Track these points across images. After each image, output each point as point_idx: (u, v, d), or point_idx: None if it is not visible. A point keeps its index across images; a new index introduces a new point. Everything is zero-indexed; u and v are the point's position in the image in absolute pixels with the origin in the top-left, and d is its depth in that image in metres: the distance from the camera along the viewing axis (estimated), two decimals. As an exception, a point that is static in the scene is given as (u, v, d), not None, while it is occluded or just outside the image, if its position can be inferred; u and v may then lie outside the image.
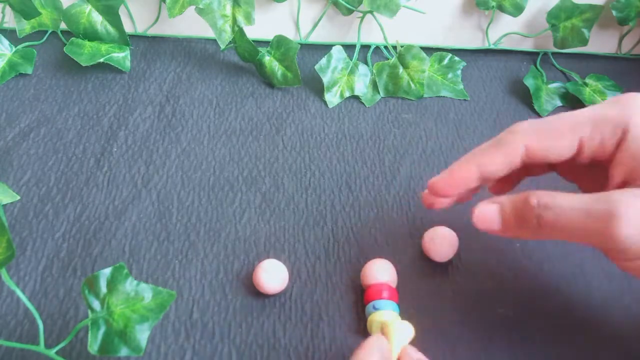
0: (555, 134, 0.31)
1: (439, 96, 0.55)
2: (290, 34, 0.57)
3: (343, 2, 0.53)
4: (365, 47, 0.58)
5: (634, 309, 0.39)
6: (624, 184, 0.30)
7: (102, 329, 0.30)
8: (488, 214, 0.32)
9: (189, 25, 0.57)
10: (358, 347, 0.31)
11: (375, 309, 0.36)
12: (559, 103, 0.55)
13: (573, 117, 0.31)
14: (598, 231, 0.28)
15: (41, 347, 0.31)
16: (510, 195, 0.32)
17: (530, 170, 0.36)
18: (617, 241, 0.27)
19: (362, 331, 0.37)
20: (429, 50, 0.55)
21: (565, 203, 0.29)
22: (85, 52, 0.52)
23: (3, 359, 0.34)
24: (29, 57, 0.53)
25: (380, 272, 0.38)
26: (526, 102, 0.54)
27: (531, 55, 0.60)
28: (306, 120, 0.51)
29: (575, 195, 0.30)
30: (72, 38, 0.53)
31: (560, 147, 0.31)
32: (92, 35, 0.53)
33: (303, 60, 0.56)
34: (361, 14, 0.54)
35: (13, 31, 0.54)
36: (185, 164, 0.46)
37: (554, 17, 0.56)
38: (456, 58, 0.56)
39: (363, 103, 0.53)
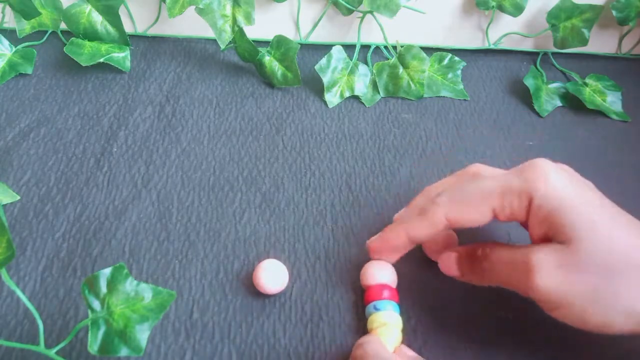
0: (470, 207, 0.34)
1: (439, 96, 0.55)
2: (290, 34, 0.57)
3: (343, 2, 0.53)
4: (365, 47, 0.58)
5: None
6: (545, 240, 0.33)
7: (102, 329, 0.30)
8: (448, 261, 0.36)
9: (189, 25, 0.57)
10: (358, 343, 0.33)
11: (376, 309, 0.36)
12: (558, 103, 0.55)
13: (484, 188, 0.34)
14: (521, 282, 0.32)
15: (41, 347, 0.31)
16: (467, 245, 0.36)
17: None
18: (536, 292, 0.31)
19: (362, 331, 0.37)
20: (429, 50, 0.55)
21: (496, 255, 0.33)
22: (85, 52, 0.52)
23: (3, 359, 0.34)
24: (29, 57, 0.53)
25: (381, 272, 0.38)
26: (526, 102, 0.54)
27: (531, 55, 0.60)
28: (306, 120, 0.51)
29: (507, 247, 0.33)
30: (72, 38, 0.53)
31: (475, 217, 0.34)
32: (92, 35, 0.53)
33: (303, 60, 0.56)
34: (361, 14, 0.54)
35: (13, 31, 0.54)
36: (185, 164, 0.46)
37: (554, 17, 0.56)
38: (456, 58, 0.56)
39: (363, 103, 0.53)
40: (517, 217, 0.33)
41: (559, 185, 0.32)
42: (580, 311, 0.31)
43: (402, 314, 0.37)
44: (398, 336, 0.35)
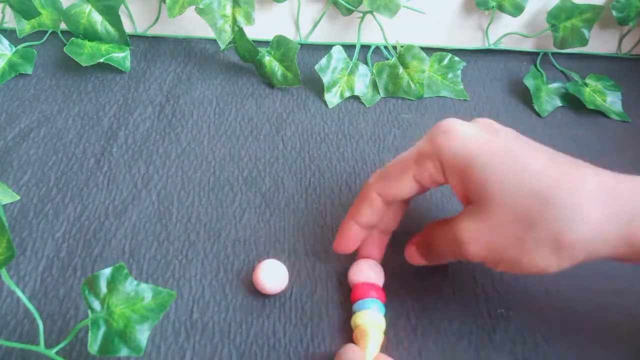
0: (393, 179, 0.34)
1: (439, 96, 0.55)
2: (290, 34, 0.57)
3: (343, 2, 0.53)
4: (365, 47, 0.58)
5: (633, 309, 0.39)
6: (467, 200, 0.33)
7: (102, 329, 0.30)
8: (411, 252, 0.37)
9: (189, 25, 0.57)
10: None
11: (359, 308, 0.36)
12: (559, 103, 0.55)
13: (402, 158, 0.35)
14: (461, 255, 0.32)
15: (41, 347, 0.31)
16: (419, 233, 0.37)
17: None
18: (474, 259, 0.32)
19: (362, 331, 0.37)
20: (429, 50, 0.55)
21: (435, 235, 0.34)
22: (85, 52, 0.52)
23: (3, 359, 0.34)
24: (29, 57, 0.53)
25: (365, 270, 0.38)
26: (526, 102, 0.54)
27: (531, 56, 0.60)
28: (306, 120, 0.51)
29: (441, 224, 0.34)
30: (72, 38, 0.53)
31: (401, 189, 0.34)
32: (92, 35, 0.53)
33: (303, 60, 0.56)
34: (361, 14, 0.54)
35: (13, 31, 0.54)
36: (185, 164, 0.46)
37: (554, 17, 0.56)
38: (456, 58, 0.56)
39: (363, 103, 0.53)
40: (439, 181, 0.34)
41: (466, 142, 0.32)
42: (516, 262, 0.31)
43: (401, 313, 0.37)
44: (379, 339, 0.35)
